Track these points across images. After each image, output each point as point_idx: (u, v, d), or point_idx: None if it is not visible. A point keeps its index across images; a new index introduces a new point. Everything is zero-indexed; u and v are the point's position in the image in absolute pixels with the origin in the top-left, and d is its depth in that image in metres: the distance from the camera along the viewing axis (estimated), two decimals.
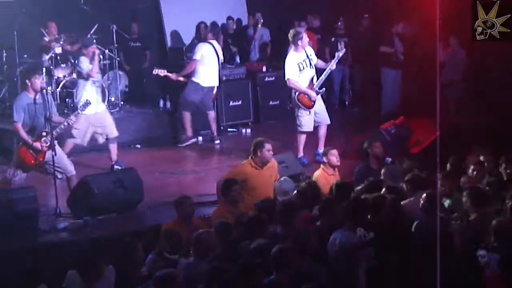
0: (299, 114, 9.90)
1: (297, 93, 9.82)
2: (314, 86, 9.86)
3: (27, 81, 8.10)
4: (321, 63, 10.14)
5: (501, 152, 8.17)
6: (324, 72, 9.97)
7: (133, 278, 5.82)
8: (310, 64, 9.92)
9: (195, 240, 5.90)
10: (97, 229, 7.59)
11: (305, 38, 9.95)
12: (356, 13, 13.85)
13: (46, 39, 11.74)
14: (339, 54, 10.19)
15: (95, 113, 9.53)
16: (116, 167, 9.62)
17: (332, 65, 10.05)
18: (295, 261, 5.37)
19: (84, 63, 9.60)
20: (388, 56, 12.89)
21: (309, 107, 9.84)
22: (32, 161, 8.05)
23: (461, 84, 12.03)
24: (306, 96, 9.82)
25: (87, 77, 9.55)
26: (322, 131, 10.05)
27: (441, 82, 11.06)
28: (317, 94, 9.89)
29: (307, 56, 9.91)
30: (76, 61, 10.12)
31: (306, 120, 9.89)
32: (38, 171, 8.29)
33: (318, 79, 9.94)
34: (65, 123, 8.16)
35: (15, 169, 8.09)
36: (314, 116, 9.97)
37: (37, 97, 8.01)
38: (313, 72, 9.94)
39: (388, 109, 12.80)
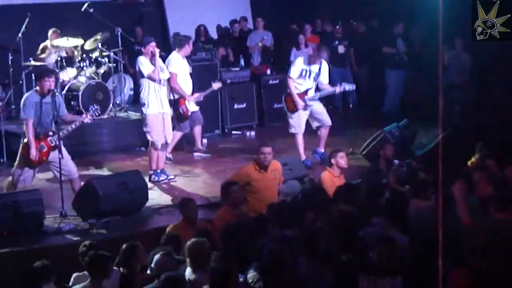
0: (288, 116, 10.04)
1: (286, 93, 9.96)
2: (306, 97, 9.87)
3: (38, 81, 8.14)
4: (327, 88, 10.03)
5: (506, 154, 8.15)
6: (324, 92, 10.00)
7: (137, 280, 5.84)
8: (316, 77, 9.92)
9: (189, 252, 5.77)
10: (102, 232, 7.61)
11: (315, 57, 9.90)
12: (356, 16, 13.93)
13: (47, 43, 11.82)
14: (345, 87, 10.21)
15: (163, 113, 9.34)
16: (153, 177, 9.36)
17: (337, 91, 10.08)
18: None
19: (145, 64, 9.19)
20: (391, 57, 12.94)
21: (290, 110, 9.95)
22: (35, 160, 8.06)
23: (465, 86, 12.04)
24: (292, 101, 9.90)
25: (151, 79, 9.20)
26: (323, 133, 10.09)
27: (445, 84, 11.10)
28: (304, 107, 9.88)
29: (319, 69, 9.88)
30: (136, 63, 9.44)
31: (293, 122, 9.97)
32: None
33: (315, 93, 9.97)
34: (73, 126, 8.15)
35: (22, 168, 8.11)
36: (314, 119, 10.03)
37: (45, 98, 8.05)
38: (311, 84, 9.93)
39: (390, 110, 12.89)
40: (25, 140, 8.08)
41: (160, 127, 9.29)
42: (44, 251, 7.14)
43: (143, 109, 9.34)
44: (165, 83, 9.42)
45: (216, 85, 10.60)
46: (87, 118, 8.25)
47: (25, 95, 8.34)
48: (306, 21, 13.98)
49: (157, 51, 9.24)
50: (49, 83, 8.05)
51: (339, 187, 7.39)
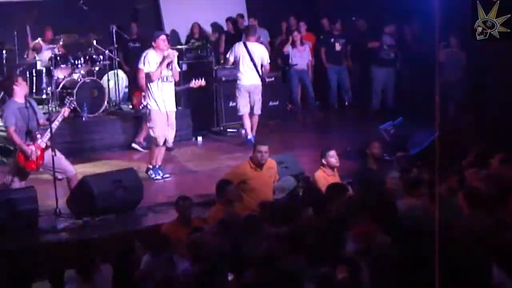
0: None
1: None
2: None
3: (14, 86, 7.98)
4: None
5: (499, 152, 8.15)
6: None
7: (131, 278, 5.82)
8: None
9: (190, 243, 5.88)
10: (97, 230, 7.59)
11: None
12: (353, 14, 13.96)
13: (39, 41, 11.77)
14: None
15: (167, 111, 9.23)
16: (150, 172, 9.37)
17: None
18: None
19: (150, 61, 9.06)
20: (377, 54, 12.99)
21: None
22: (34, 166, 8.02)
23: (460, 84, 12.06)
24: None
25: (149, 78, 9.09)
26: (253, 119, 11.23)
27: (440, 82, 11.09)
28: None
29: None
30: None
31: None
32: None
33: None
34: (56, 122, 8.05)
35: (13, 177, 8.07)
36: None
37: (24, 103, 7.96)
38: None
39: (377, 107, 12.95)
40: (18, 151, 7.97)
41: (164, 124, 9.23)
42: (38, 249, 7.14)
43: (148, 104, 9.26)
44: (171, 80, 9.25)
45: (194, 83, 10.02)
46: (66, 112, 8.17)
47: (5, 104, 8.17)
48: (302, 18, 13.98)
49: (167, 46, 9.12)
50: (25, 84, 8.05)
51: (328, 187, 7.39)
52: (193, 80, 10.05)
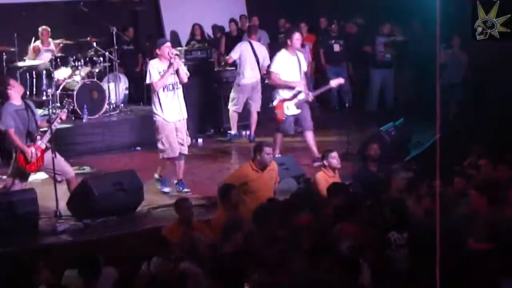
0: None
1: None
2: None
3: (8, 90, 7.91)
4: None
5: (501, 154, 8.15)
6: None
7: (133, 279, 5.82)
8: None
9: (188, 244, 5.91)
10: (97, 232, 7.58)
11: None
12: (352, 15, 13.98)
13: (38, 43, 11.77)
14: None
15: (176, 121, 8.74)
16: (156, 183, 8.93)
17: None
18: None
19: (154, 69, 8.53)
20: (372, 57, 13.02)
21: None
22: (34, 168, 7.99)
23: (461, 86, 12.06)
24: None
25: (153, 87, 8.59)
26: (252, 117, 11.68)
27: (442, 84, 11.08)
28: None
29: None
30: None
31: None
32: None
33: None
34: (55, 123, 7.98)
35: (13, 179, 8.05)
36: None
37: (21, 105, 7.95)
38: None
39: (374, 109, 12.96)
40: (18, 152, 7.92)
41: (172, 135, 8.72)
42: (39, 251, 7.12)
43: (154, 115, 8.77)
44: (178, 86, 8.67)
45: (335, 82, 10.18)
46: (64, 115, 8.12)
47: (2, 107, 8.03)
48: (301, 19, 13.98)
49: (174, 51, 8.65)
50: (19, 85, 8.07)
51: (329, 187, 7.39)
52: (332, 81, 10.25)
